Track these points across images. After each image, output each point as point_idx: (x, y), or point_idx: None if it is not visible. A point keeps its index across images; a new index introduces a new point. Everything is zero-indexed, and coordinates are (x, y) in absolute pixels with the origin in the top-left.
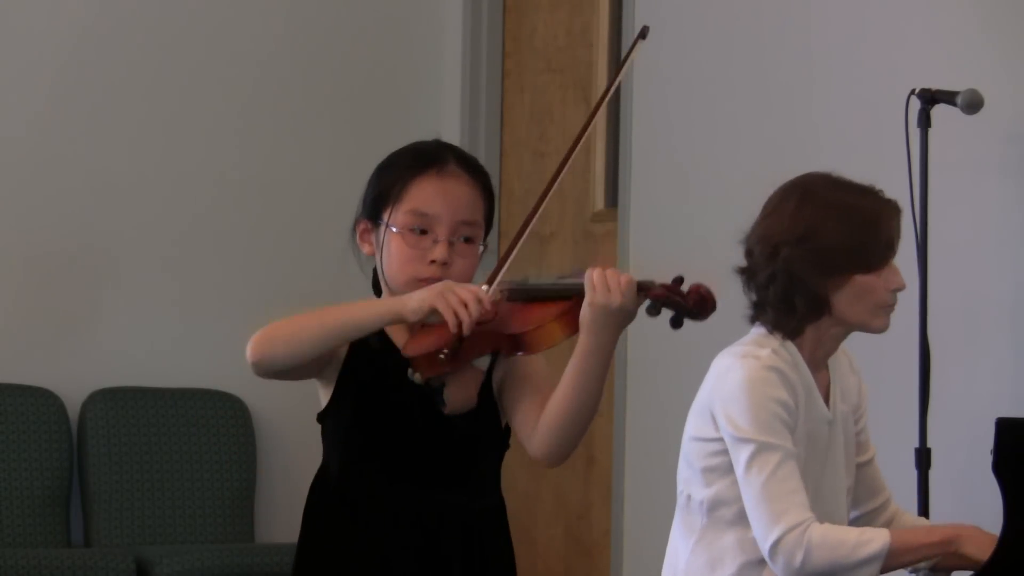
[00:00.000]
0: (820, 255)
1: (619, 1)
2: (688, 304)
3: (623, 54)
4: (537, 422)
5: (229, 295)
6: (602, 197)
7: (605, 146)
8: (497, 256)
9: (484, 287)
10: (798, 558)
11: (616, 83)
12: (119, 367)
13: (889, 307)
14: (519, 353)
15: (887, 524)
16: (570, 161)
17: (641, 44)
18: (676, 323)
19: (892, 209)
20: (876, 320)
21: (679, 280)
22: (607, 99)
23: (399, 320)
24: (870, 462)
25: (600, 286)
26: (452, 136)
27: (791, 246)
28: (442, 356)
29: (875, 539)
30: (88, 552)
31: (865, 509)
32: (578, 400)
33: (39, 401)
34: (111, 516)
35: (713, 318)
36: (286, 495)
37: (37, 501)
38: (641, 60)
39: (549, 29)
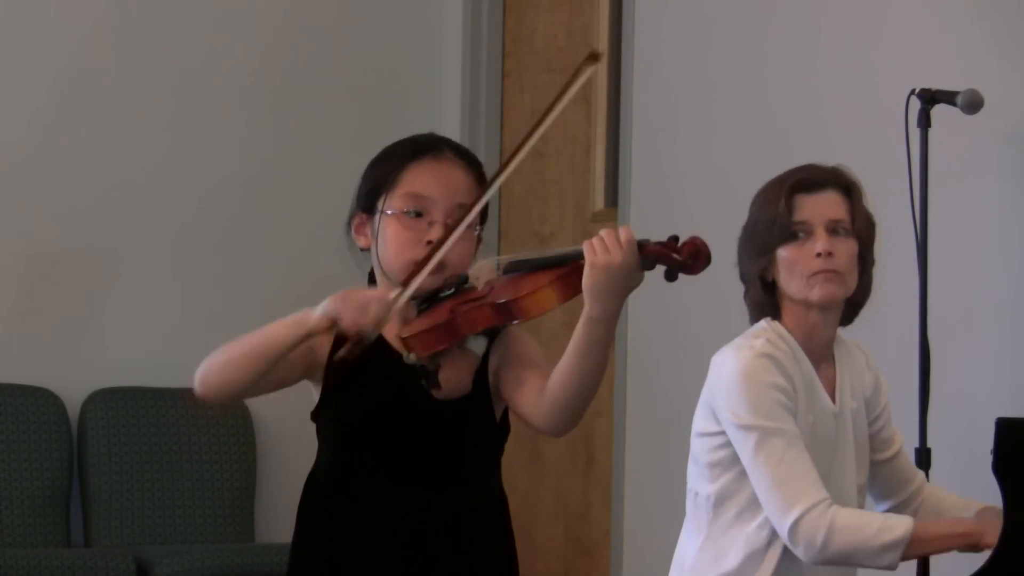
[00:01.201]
0: (750, 237)
1: (619, 1)
2: (681, 257)
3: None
4: (540, 395)
5: (229, 295)
6: (602, 197)
7: (605, 146)
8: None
9: (393, 294)
10: (820, 537)
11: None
12: (119, 367)
13: (818, 275)
14: (515, 321)
15: (918, 510)
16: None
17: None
18: (670, 277)
19: (799, 183)
20: (811, 291)
21: (674, 238)
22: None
23: (306, 331)
24: (896, 456)
25: (600, 247)
26: (452, 136)
27: (741, 239)
28: (344, 355)
29: (898, 525)
30: (88, 552)
31: (897, 500)
32: (583, 369)
33: (39, 401)
34: (111, 516)
35: (714, 318)
36: (286, 495)
37: (37, 501)
38: (641, 60)
39: (549, 29)
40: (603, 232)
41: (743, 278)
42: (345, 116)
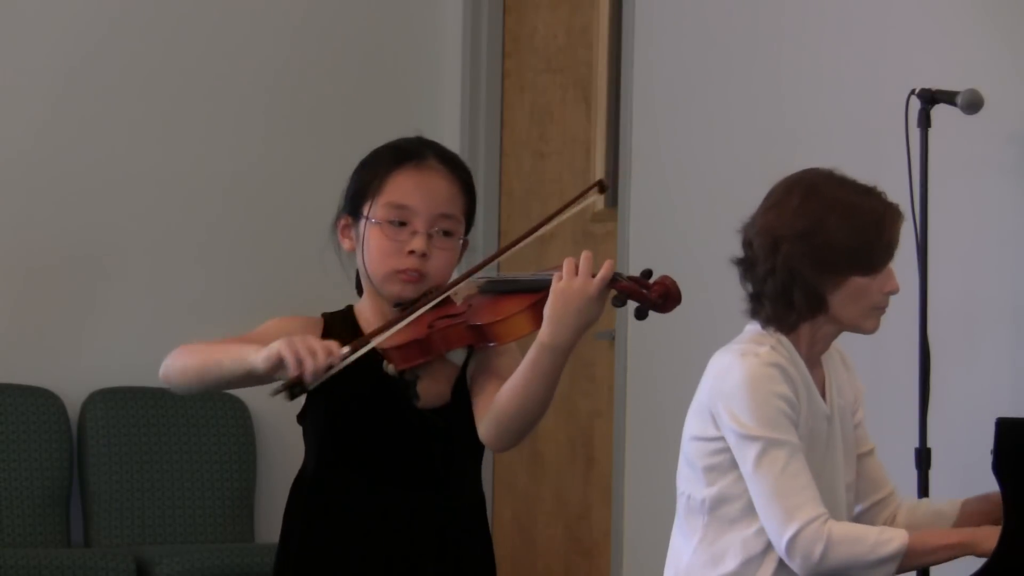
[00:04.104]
0: (821, 252)
1: (619, 1)
2: (652, 297)
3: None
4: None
5: (229, 295)
6: (602, 197)
7: (605, 146)
8: (482, 255)
9: (346, 349)
10: (817, 552)
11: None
12: (119, 367)
13: (881, 309)
14: (490, 344)
15: (892, 517)
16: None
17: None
18: (640, 315)
19: (895, 213)
20: (867, 322)
21: (647, 273)
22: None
23: (250, 369)
24: (869, 455)
25: (569, 270)
26: (452, 136)
27: (792, 241)
28: (285, 393)
29: (894, 539)
30: (88, 552)
31: (870, 502)
32: (525, 394)
33: (39, 401)
34: (111, 516)
35: (714, 317)
36: (286, 495)
37: (37, 501)
38: (641, 60)
39: (549, 29)
40: (582, 255)
41: (787, 285)
42: (344, 117)
